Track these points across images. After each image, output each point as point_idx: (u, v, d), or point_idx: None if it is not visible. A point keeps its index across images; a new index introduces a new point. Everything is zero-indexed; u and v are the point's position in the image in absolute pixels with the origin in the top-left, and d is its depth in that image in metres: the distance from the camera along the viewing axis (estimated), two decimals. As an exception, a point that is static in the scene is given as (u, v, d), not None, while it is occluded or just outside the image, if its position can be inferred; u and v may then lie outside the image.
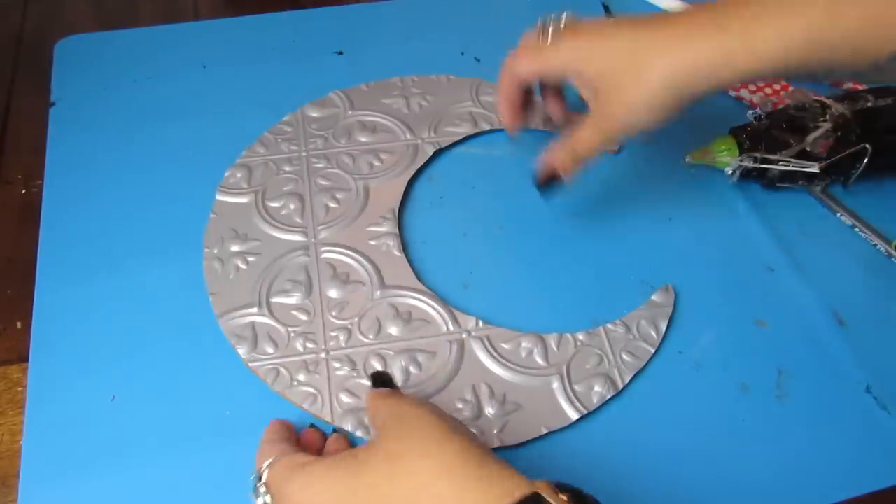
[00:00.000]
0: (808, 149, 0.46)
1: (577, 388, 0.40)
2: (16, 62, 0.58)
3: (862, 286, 0.45)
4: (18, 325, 0.43)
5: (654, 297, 0.44)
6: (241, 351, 0.41)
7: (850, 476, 0.38)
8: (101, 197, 0.48)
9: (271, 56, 0.58)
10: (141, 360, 0.41)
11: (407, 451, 0.29)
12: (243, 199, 0.48)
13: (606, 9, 0.63)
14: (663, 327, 0.43)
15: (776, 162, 0.47)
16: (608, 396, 0.40)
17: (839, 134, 0.46)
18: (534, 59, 0.40)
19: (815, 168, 0.46)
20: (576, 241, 0.47)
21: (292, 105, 0.54)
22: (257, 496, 0.32)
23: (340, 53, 0.58)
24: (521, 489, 0.26)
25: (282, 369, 0.40)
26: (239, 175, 0.49)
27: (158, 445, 0.38)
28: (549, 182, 0.42)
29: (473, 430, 0.38)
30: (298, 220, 0.47)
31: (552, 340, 0.42)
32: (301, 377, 0.40)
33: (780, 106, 0.49)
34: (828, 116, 0.46)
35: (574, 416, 0.39)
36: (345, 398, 0.39)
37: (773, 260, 0.46)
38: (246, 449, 0.36)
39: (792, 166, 0.46)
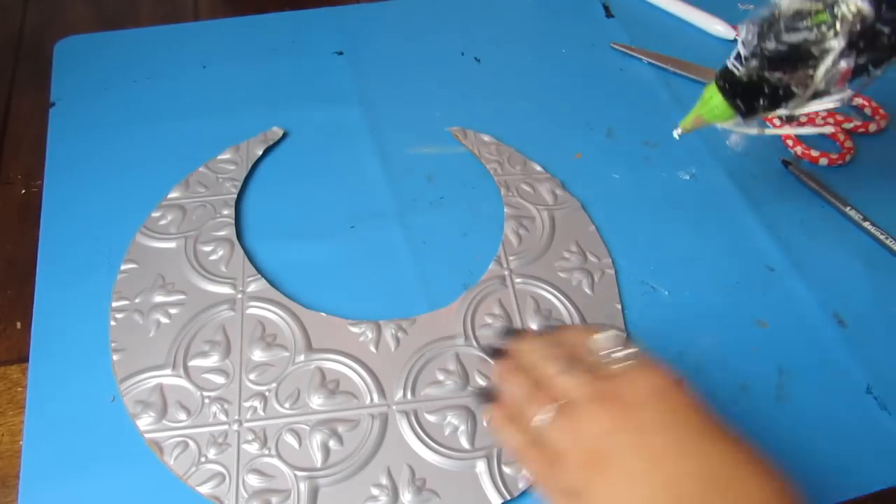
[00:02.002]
0: (820, 88, 0.36)
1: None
2: (16, 62, 0.58)
3: (862, 286, 0.45)
4: (18, 325, 0.43)
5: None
6: None
7: (851, 477, 0.38)
8: (101, 197, 0.48)
9: (271, 56, 0.58)
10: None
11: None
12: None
13: (606, 9, 0.63)
14: None
15: (782, 124, 0.38)
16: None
17: (862, 44, 0.34)
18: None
19: (837, 104, 0.36)
20: (576, 242, 0.47)
21: (292, 105, 0.54)
22: None
23: (340, 53, 0.58)
24: None
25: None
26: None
27: (158, 445, 0.38)
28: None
29: None
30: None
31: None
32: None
33: (769, 29, 0.35)
34: (838, 27, 0.33)
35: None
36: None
37: (773, 260, 0.46)
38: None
39: (807, 119, 0.37)
